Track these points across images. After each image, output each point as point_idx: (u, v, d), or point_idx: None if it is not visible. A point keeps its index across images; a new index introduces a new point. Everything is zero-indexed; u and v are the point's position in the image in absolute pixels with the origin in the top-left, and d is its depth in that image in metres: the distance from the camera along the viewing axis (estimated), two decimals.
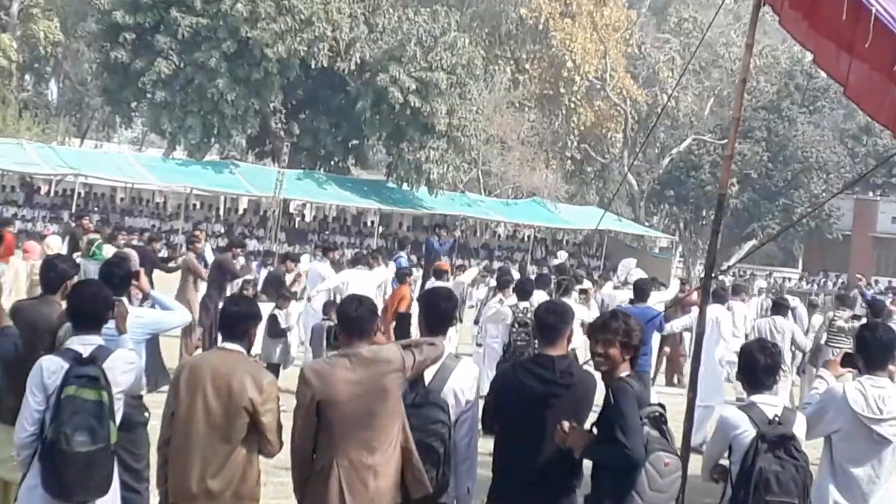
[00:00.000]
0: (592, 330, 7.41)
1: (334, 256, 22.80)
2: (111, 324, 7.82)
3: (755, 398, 7.65)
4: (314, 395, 7.13)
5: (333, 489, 7.10)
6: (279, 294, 18.97)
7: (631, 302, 17.69)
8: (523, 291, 16.44)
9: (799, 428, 7.54)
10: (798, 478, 7.31)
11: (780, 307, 19.52)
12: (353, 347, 7.26)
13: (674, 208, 76.28)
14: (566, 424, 7.08)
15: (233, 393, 7.19)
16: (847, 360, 8.19)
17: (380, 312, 10.69)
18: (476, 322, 21.13)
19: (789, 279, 73.39)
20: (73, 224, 29.55)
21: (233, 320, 7.51)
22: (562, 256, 42.33)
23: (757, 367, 7.68)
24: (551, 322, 7.73)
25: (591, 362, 7.64)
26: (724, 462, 7.71)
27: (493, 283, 22.23)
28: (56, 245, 18.38)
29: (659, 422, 7.23)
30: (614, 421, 6.89)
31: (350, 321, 7.37)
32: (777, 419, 7.44)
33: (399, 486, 7.23)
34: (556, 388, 7.37)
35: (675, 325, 19.08)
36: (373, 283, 21.16)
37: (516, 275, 23.42)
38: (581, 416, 7.65)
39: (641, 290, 17.09)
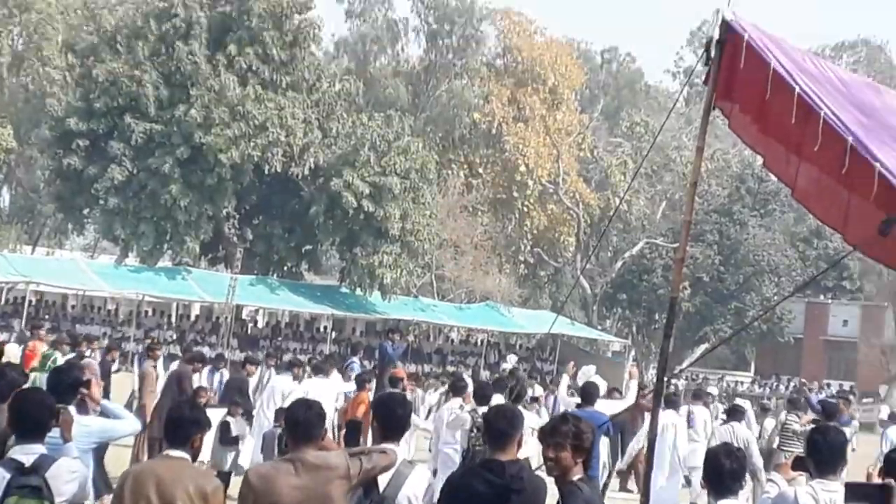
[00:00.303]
0: (543, 434, 7.38)
1: (298, 372, 22.42)
2: (56, 432, 7.73)
3: (722, 503, 7.62)
4: (256, 499, 7.11)
5: None
6: (241, 400, 18.89)
7: (578, 406, 17.64)
8: (483, 396, 16.34)
9: None
10: None
11: (735, 413, 19.49)
12: (299, 452, 7.25)
13: (626, 312, 76.50)
14: None
15: (177, 501, 7.12)
16: (798, 464, 8.17)
17: (336, 420, 10.76)
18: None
19: (742, 383, 73.56)
20: (29, 334, 29.45)
21: (177, 427, 7.46)
22: (511, 361, 42.34)
23: (723, 471, 7.69)
24: (501, 427, 7.73)
25: (543, 468, 7.61)
26: None
27: (445, 388, 22.12)
28: (14, 353, 18.23)
29: None
30: None
31: (296, 425, 7.37)
32: None
33: None
34: (507, 493, 7.33)
35: (639, 440, 18.95)
36: (332, 391, 20.88)
37: (469, 380, 23.34)
38: None
39: (589, 394, 17.04)
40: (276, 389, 21.62)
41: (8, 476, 6.84)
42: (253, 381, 23.74)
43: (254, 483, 7.22)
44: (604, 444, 16.67)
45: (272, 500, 7.13)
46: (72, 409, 8.55)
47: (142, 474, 7.35)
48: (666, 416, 17.86)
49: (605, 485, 17.59)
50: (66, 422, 7.90)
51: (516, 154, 67.78)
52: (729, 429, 18.97)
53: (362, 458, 7.32)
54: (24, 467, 6.90)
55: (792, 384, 71.32)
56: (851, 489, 7.76)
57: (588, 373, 23.33)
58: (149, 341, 32.46)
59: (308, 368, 23.07)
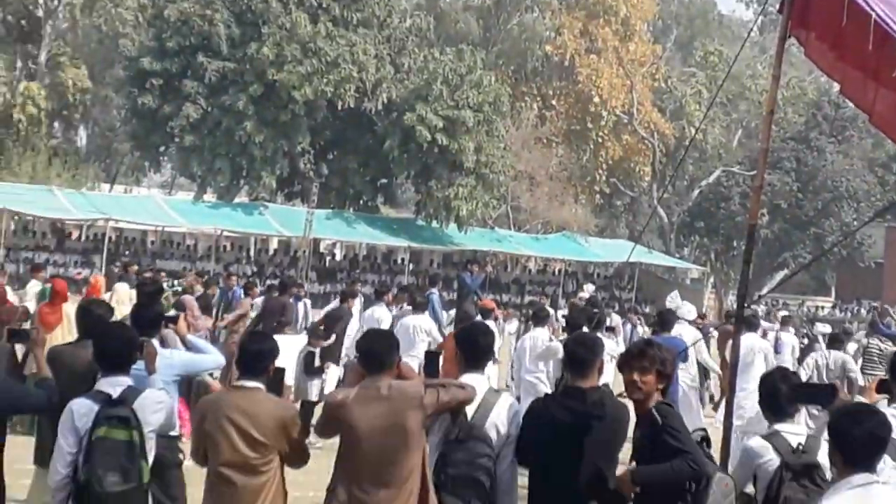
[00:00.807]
0: (628, 358, 7.42)
1: (388, 298, 22.50)
2: (140, 364, 7.87)
3: (778, 427, 7.68)
4: (333, 427, 7.36)
5: None
6: (330, 331, 19.17)
7: (654, 332, 17.61)
8: (575, 326, 16.31)
9: (823, 456, 7.50)
10: None
11: (835, 341, 18.99)
12: (374, 381, 7.34)
13: (704, 240, 76.01)
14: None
15: (256, 430, 7.31)
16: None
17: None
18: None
19: (822, 308, 73.06)
20: (118, 271, 29.88)
21: (253, 358, 7.59)
22: (588, 289, 42.11)
23: (779, 395, 7.70)
24: (582, 354, 7.75)
25: (623, 395, 7.63)
26: (749, 490, 7.68)
27: (524, 317, 22.14)
28: (124, 291, 18.49)
29: (703, 446, 7.22)
30: (670, 437, 7.01)
31: (371, 354, 7.46)
32: (801, 448, 7.42)
33: None
34: (589, 420, 7.36)
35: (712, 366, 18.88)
36: (427, 324, 20.69)
37: (550, 310, 23.29)
38: (614, 448, 7.67)
39: (666, 321, 16.99)
40: (369, 318, 21.75)
41: (96, 407, 6.94)
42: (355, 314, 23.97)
43: (330, 411, 7.39)
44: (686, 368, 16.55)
45: (349, 428, 7.26)
46: (155, 342, 8.67)
47: (220, 405, 7.47)
48: (749, 339, 17.79)
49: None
50: (151, 354, 8.02)
51: (589, 86, 67.21)
52: (825, 355, 18.52)
53: (440, 390, 7.35)
54: (111, 399, 7.00)
55: (874, 308, 70.81)
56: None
57: (674, 299, 23.11)
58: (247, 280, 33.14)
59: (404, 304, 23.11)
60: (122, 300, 20.14)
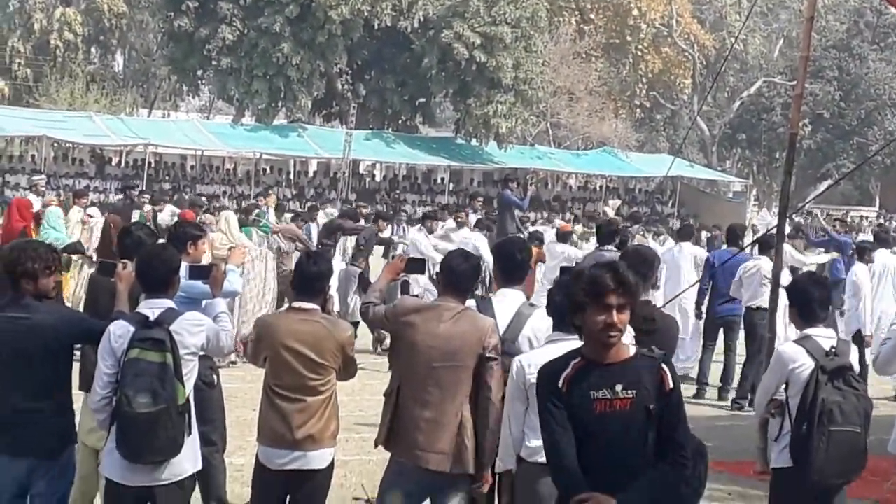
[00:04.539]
0: (602, 289, 5.66)
1: (432, 226, 22.36)
2: (199, 288, 8.12)
3: (810, 331, 7.69)
4: (395, 329, 7.54)
5: (386, 419, 7.50)
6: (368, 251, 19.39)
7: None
8: (611, 234, 16.23)
9: (854, 358, 7.52)
10: (860, 406, 7.35)
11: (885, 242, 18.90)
12: (448, 302, 7.45)
13: (746, 152, 75.58)
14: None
15: (313, 351, 7.48)
16: None
17: None
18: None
19: (867, 217, 72.51)
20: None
21: (311, 279, 7.68)
22: (613, 205, 41.74)
23: (811, 300, 7.70)
24: (640, 269, 7.72)
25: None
26: (780, 397, 7.66)
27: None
28: (232, 220, 18.56)
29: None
30: (673, 416, 5.59)
31: (452, 275, 7.53)
32: (833, 350, 7.44)
33: (448, 456, 7.30)
34: (638, 335, 7.30)
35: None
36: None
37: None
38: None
39: (735, 235, 17.04)
40: (411, 246, 21.69)
41: (132, 329, 6.95)
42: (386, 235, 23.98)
43: (394, 322, 7.53)
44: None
45: (411, 344, 7.37)
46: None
47: (279, 329, 7.60)
48: (881, 255, 18.09)
49: None
50: (216, 278, 8.04)
51: None
52: None
53: (495, 359, 7.34)
54: (147, 321, 7.00)
55: None
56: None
57: (764, 217, 23.00)
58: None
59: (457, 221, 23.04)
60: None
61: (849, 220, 46.80)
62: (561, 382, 5.49)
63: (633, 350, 5.62)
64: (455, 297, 7.45)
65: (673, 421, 5.53)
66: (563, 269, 8.30)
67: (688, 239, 19.20)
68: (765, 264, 15.52)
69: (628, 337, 5.73)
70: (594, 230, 20.58)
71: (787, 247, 17.79)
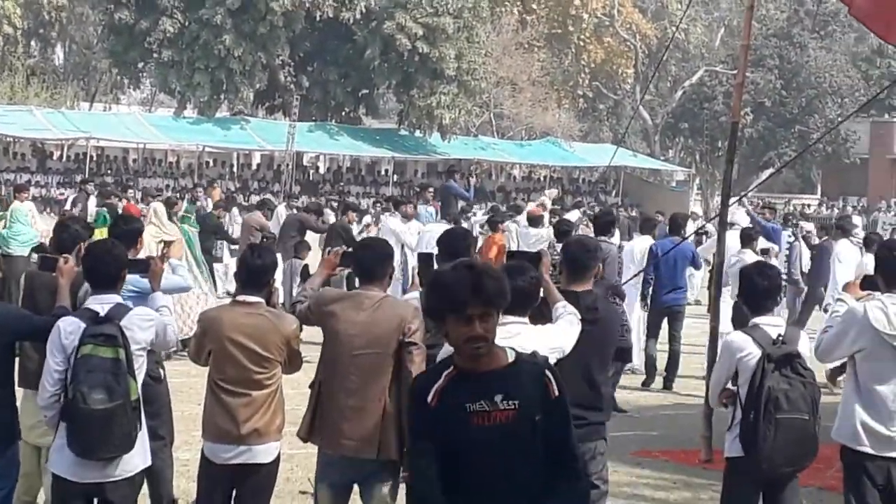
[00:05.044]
0: (463, 296, 5.09)
1: (406, 210, 22.44)
2: (145, 283, 8.02)
3: (758, 320, 7.74)
4: (319, 321, 7.60)
5: (309, 411, 7.55)
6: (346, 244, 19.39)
7: (665, 236, 17.78)
8: (563, 232, 16.25)
9: (803, 346, 7.60)
10: (807, 394, 7.43)
11: (871, 244, 18.85)
12: (369, 290, 7.53)
13: (689, 141, 75.90)
14: None
15: (263, 346, 7.51)
16: (867, 282, 8.10)
17: None
18: None
19: (809, 205, 73.07)
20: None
21: (255, 273, 7.70)
22: (550, 195, 41.79)
23: (757, 290, 7.76)
24: (582, 258, 7.82)
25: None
26: (732, 387, 7.73)
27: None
28: (161, 211, 18.43)
29: None
30: (564, 430, 5.14)
31: (360, 264, 7.69)
32: (781, 339, 7.53)
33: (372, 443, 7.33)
34: (582, 325, 7.36)
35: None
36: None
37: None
38: (606, 351, 7.77)
39: (677, 224, 17.08)
40: (385, 229, 21.72)
41: (83, 325, 6.94)
42: (355, 227, 24.07)
43: (316, 306, 7.59)
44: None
45: (334, 333, 7.44)
46: None
47: (222, 323, 7.63)
48: (838, 246, 18.33)
49: None
50: (155, 272, 8.01)
51: None
52: None
53: (418, 343, 7.38)
54: (98, 316, 6.99)
55: (861, 204, 71.06)
56: (510, 255, 8.13)
57: (734, 213, 23.13)
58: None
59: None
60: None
61: (778, 208, 47.20)
62: (430, 396, 4.98)
63: (512, 355, 5.06)
64: (375, 286, 7.52)
65: (562, 432, 5.05)
66: (509, 254, 8.31)
67: (649, 232, 19.14)
68: (748, 258, 15.80)
69: None
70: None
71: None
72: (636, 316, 17.65)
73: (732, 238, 18.47)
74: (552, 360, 6.98)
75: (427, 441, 4.97)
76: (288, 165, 52.60)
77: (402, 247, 20.21)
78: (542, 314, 7.31)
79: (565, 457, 5.05)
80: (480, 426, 4.88)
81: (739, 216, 21.19)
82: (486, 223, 22.37)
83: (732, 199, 12.10)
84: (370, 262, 7.59)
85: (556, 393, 5.01)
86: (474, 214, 27.09)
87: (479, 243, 20.60)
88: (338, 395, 7.38)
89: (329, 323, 7.46)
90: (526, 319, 7.18)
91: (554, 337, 7.19)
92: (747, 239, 17.25)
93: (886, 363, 7.64)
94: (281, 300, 16.52)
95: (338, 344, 7.39)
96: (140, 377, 7.10)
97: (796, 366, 7.45)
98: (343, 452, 7.35)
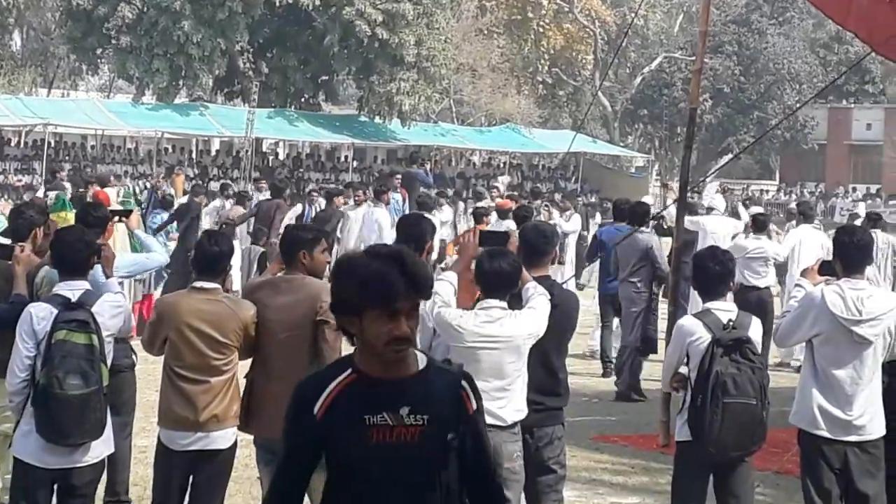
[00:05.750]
0: (397, 290, 4.52)
1: (387, 199, 22.45)
2: (98, 269, 7.90)
3: (709, 305, 7.85)
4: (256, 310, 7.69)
5: (245, 400, 7.75)
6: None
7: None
8: (523, 217, 16.29)
9: (754, 331, 7.69)
10: (755, 379, 7.50)
11: (876, 222, 18.79)
12: (288, 273, 7.80)
13: (648, 127, 76.21)
14: None
15: (220, 332, 7.55)
16: (825, 268, 8.20)
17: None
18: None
19: (767, 191, 73.54)
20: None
21: (212, 259, 7.73)
22: (502, 181, 41.91)
23: (709, 275, 7.86)
24: (539, 245, 7.86)
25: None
26: (683, 370, 7.80)
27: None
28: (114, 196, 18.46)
29: None
30: (482, 443, 4.51)
31: (283, 246, 7.96)
32: (731, 324, 7.60)
33: None
34: None
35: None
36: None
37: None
38: (563, 337, 7.81)
39: (620, 211, 16.95)
40: (369, 220, 21.75)
41: (55, 311, 6.97)
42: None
43: (246, 294, 7.93)
44: None
45: (262, 321, 7.62)
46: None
47: (179, 309, 7.66)
48: (800, 231, 18.24)
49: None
50: (108, 258, 8.02)
51: None
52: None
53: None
54: (70, 303, 7.03)
55: (819, 190, 71.55)
56: (484, 235, 8.23)
57: (710, 191, 23.18)
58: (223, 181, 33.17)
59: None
60: None
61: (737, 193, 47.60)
62: (317, 408, 4.29)
63: (423, 361, 4.35)
64: (291, 268, 7.73)
65: (479, 454, 4.40)
66: (482, 235, 8.31)
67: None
68: (767, 245, 16.14)
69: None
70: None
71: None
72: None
73: (713, 223, 18.75)
74: (528, 346, 7.13)
75: (298, 462, 4.42)
76: (247, 152, 52.41)
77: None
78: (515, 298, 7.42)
79: (486, 485, 4.45)
80: (381, 443, 4.19)
81: (718, 201, 21.23)
82: (472, 214, 22.24)
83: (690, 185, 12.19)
84: (287, 243, 7.93)
85: (474, 407, 4.36)
86: (441, 211, 27.14)
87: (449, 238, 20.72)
88: (267, 381, 7.55)
89: (258, 311, 7.61)
90: (505, 304, 7.26)
91: (531, 322, 7.28)
92: (761, 225, 17.34)
93: (843, 348, 7.74)
94: (237, 286, 16.63)
95: (264, 331, 7.59)
96: (108, 363, 7.16)
97: (746, 351, 7.52)
98: (275, 437, 7.37)
